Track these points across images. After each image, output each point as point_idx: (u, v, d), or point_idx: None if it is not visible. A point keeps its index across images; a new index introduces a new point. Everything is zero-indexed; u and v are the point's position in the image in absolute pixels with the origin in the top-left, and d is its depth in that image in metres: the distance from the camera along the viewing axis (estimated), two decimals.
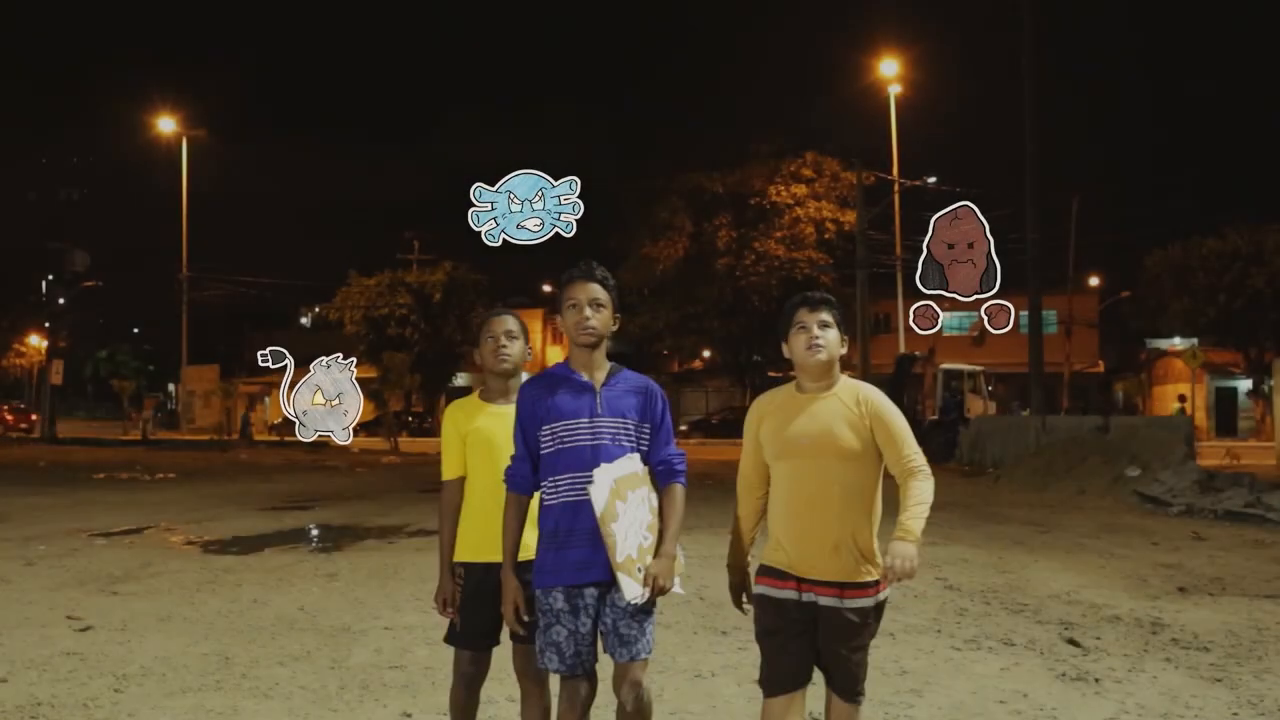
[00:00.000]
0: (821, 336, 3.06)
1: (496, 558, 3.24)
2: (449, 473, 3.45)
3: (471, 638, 3.39)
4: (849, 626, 3.01)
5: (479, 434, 3.41)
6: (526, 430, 3.10)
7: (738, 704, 4.52)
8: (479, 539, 3.36)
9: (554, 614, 3.00)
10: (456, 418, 3.47)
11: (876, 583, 3.04)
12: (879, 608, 3.08)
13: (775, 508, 3.13)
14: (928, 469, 3.04)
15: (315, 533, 10.91)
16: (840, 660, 3.04)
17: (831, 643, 3.03)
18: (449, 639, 3.46)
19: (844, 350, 3.13)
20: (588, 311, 3.06)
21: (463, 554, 3.40)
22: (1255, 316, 30.95)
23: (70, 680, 4.93)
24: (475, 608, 3.34)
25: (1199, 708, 4.52)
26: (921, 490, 2.98)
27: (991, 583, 7.59)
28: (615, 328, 3.14)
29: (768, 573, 3.10)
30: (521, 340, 3.50)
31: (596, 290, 3.08)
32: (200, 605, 6.75)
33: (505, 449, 3.30)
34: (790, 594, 3.03)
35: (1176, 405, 25.56)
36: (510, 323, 3.48)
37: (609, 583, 2.97)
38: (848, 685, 3.06)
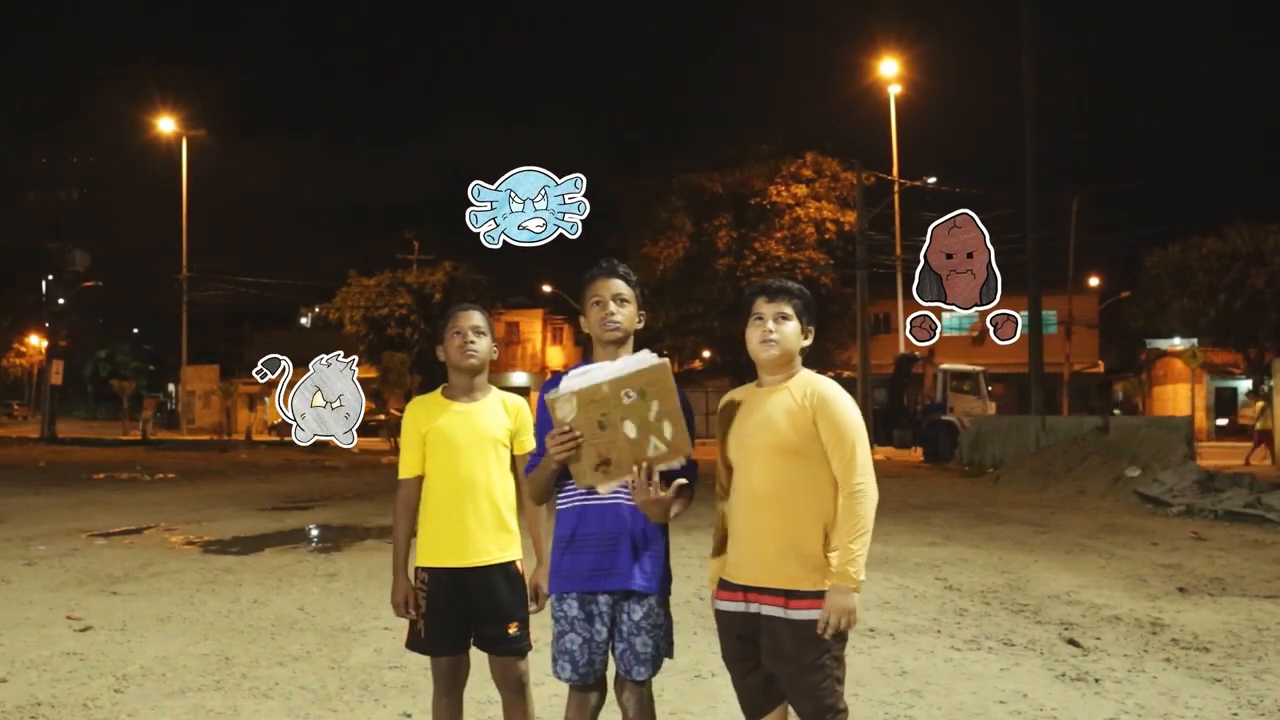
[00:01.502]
0: (777, 330, 2.85)
1: (459, 562, 3.21)
2: (406, 471, 3.32)
3: (442, 643, 3.26)
4: (796, 641, 2.73)
5: (439, 433, 3.27)
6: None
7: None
8: (440, 543, 3.25)
9: (568, 620, 2.93)
10: (417, 414, 3.33)
11: None
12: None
13: (728, 512, 2.95)
14: (869, 488, 2.75)
15: (315, 533, 10.92)
16: (793, 681, 2.77)
17: (778, 660, 2.77)
18: (412, 645, 3.31)
19: (807, 342, 2.91)
20: (612, 307, 2.98)
21: (423, 558, 3.27)
22: (1255, 316, 30.89)
23: (70, 680, 4.93)
24: (443, 613, 3.23)
25: (1199, 708, 4.51)
26: (860, 518, 2.71)
27: (991, 583, 7.59)
28: (640, 325, 3.05)
29: (722, 585, 2.93)
30: (489, 337, 3.34)
31: (620, 286, 3.00)
32: (200, 605, 6.75)
33: (466, 449, 3.24)
34: (738, 606, 2.85)
35: (1261, 404, 25.15)
36: (477, 318, 3.33)
37: (623, 592, 2.90)
38: (809, 709, 2.77)
